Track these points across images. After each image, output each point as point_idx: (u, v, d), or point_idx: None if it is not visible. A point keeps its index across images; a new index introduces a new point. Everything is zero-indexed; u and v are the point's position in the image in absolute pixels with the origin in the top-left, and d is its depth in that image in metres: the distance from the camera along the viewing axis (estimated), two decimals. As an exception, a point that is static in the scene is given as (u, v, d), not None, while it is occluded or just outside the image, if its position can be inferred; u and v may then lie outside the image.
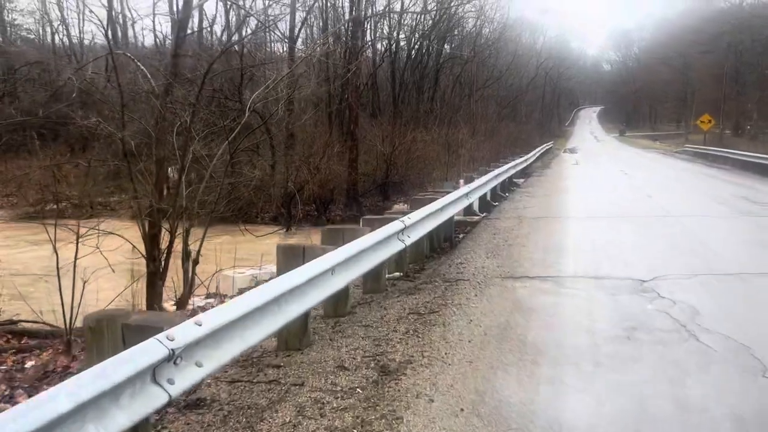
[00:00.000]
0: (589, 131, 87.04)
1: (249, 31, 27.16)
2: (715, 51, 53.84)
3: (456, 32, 42.59)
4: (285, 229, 21.59)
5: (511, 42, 56.23)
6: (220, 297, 11.10)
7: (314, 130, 26.03)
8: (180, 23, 10.35)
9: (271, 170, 22.21)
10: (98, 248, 8.62)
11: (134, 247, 10.28)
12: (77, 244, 7.79)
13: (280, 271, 5.03)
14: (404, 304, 6.19)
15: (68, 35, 34.78)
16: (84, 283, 7.35)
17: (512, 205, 14.46)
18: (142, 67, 10.66)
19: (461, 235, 11.02)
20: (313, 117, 31.97)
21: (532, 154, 28.15)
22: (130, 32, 44.07)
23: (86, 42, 41.53)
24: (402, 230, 6.82)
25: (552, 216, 12.38)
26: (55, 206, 22.73)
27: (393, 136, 25.32)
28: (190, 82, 15.87)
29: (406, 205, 22.97)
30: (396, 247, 6.68)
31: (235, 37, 23.32)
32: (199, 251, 10.37)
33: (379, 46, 39.11)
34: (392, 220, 6.88)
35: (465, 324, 5.46)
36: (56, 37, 42.36)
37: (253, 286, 11.73)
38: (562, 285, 6.83)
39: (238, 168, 25.06)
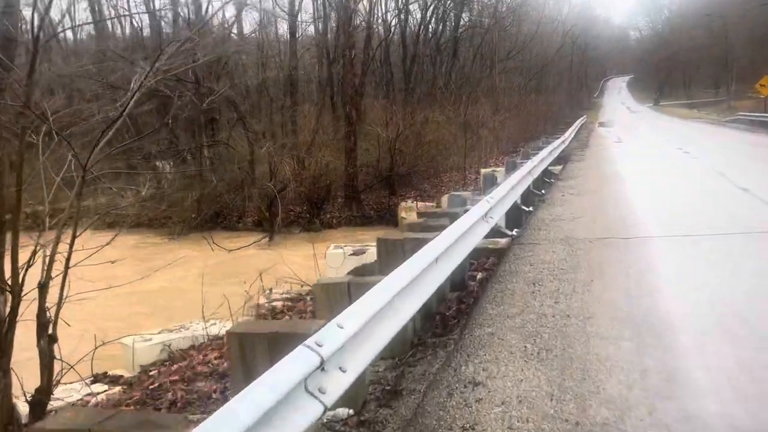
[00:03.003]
0: (620, 102, 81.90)
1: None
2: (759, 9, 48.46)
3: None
4: (268, 238, 17.74)
5: (534, 11, 51.95)
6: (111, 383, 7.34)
7: (314, 117, 22.00)
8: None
9: (249, 166, 18.27)
10: None
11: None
12: None
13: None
14: None
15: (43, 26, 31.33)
16: None
17: (552, 212, 10.26)
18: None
19: (478, 275, 7.01)
20: (317, 103, 27.93)
21: (569, 132, 23.40)
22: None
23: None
24: (320, 366, 2.79)
25: (616, 235, 8.13)
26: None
27: (399, 116, 21.02)
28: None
29: (415, 202, 18.84)
30: (302, 419, 2.65)
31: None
32: (56, 319, 6.45)
33: (389, 18, 34.92)
34: (300, 336, 2.86)
35: None
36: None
37: (163, 359, 7.81)
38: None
39: (217, 161, 21.22)
